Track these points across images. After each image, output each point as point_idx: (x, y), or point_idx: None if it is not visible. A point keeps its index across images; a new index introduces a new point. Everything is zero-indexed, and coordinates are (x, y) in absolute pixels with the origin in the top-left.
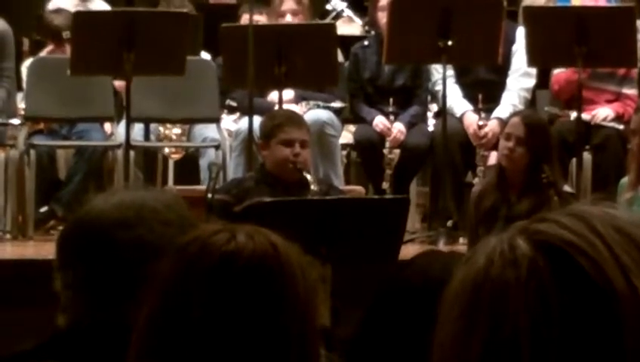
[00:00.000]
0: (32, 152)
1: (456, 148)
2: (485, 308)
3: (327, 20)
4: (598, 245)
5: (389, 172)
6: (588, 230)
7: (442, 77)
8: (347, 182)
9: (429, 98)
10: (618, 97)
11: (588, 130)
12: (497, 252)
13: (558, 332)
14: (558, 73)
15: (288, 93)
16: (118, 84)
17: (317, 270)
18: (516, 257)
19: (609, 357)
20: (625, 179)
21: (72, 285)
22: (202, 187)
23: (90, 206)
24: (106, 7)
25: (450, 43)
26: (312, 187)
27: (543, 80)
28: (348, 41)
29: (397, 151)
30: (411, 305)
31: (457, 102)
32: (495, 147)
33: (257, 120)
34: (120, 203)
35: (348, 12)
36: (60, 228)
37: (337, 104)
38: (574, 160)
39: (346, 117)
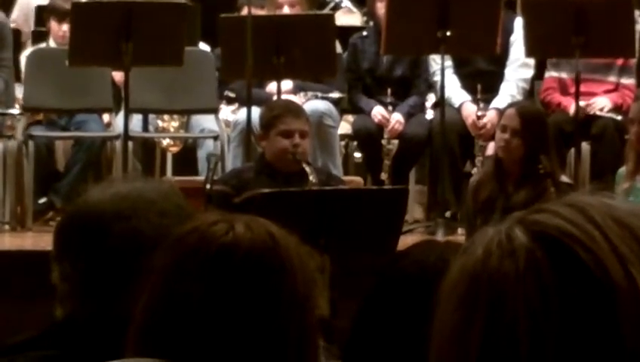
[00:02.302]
0: (31, 143)
1: (454, 139)
2: (483, 299)
3: (326, 11)
4: (596, 236)
5: (387, 162)
6: (586, 220)
7: (441, 67)
8: (346, 172)
9: (428, 88)
10: (616, 88)
11: (586, 120)
12: (495, 243)
13: (557, 323)
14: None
15: (287, 84)
16: (117, 75)
17: (315, 260)
18: (514, 248)
19: (607, 347)
20: (623, 169)
21: (69, 276)
22: (200, 178)
23: (87, 197)
24: None
25: (448, 33)
26: (311, 178)
27: (541, 70)
28: (346, 32)
29: (395, 141)
30: (408, 295)
31: (456, 92)
32: (494, 137)
33: (256, 111)
34: (116, 194)
35: (347, 3)
36: (59, 219)
37: (336, 95)
38: (572, 150)
39: (344, 107)
